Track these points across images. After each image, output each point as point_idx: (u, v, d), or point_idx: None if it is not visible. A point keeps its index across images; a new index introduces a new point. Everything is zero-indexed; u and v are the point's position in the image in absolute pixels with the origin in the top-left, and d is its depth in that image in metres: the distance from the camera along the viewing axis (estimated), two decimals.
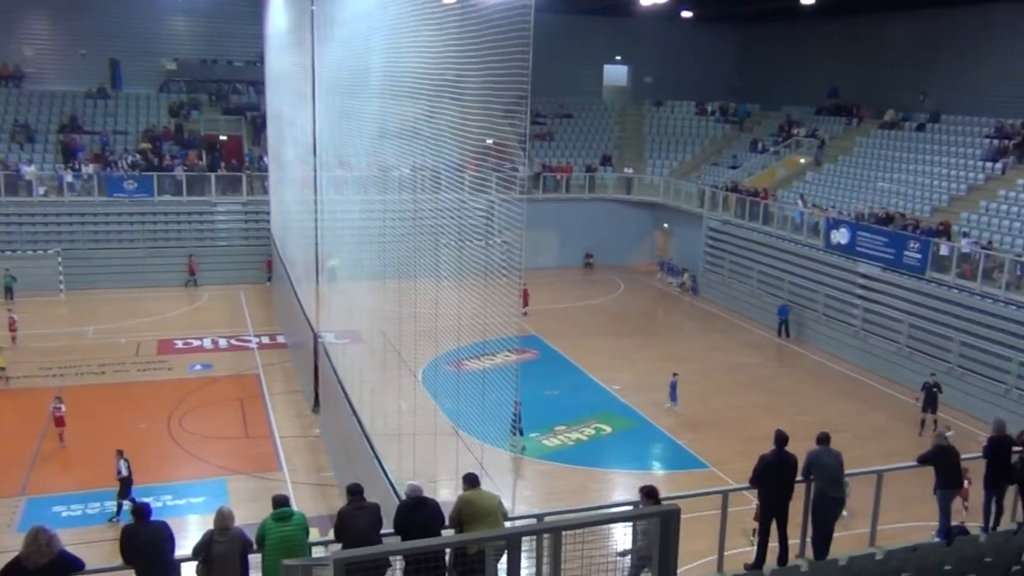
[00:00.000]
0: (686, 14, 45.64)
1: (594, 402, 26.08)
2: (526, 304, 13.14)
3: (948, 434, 14.66)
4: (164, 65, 46.90)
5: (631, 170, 45.88)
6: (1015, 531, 10.84)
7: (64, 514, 18.99)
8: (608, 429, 24.29)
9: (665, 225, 44.87)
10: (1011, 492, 11.61)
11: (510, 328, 12.66)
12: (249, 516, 9.35)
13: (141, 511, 9.03)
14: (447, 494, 10.84)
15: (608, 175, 46.24)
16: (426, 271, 15.17)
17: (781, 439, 10.51)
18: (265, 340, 32.29)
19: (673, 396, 25.43)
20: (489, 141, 13.12)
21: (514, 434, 21.27)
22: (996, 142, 33.14)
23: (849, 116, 41.77)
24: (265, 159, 41.30)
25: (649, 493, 9.31)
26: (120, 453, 19.39)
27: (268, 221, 40.19)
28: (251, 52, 44.78)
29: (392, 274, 17.16)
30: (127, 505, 18.26)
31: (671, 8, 43.70)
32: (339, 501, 19.21)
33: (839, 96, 43.20)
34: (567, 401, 26.04)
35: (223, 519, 8.99)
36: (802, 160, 41.02)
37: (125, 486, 19.10)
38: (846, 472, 10.82)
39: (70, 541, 8.40)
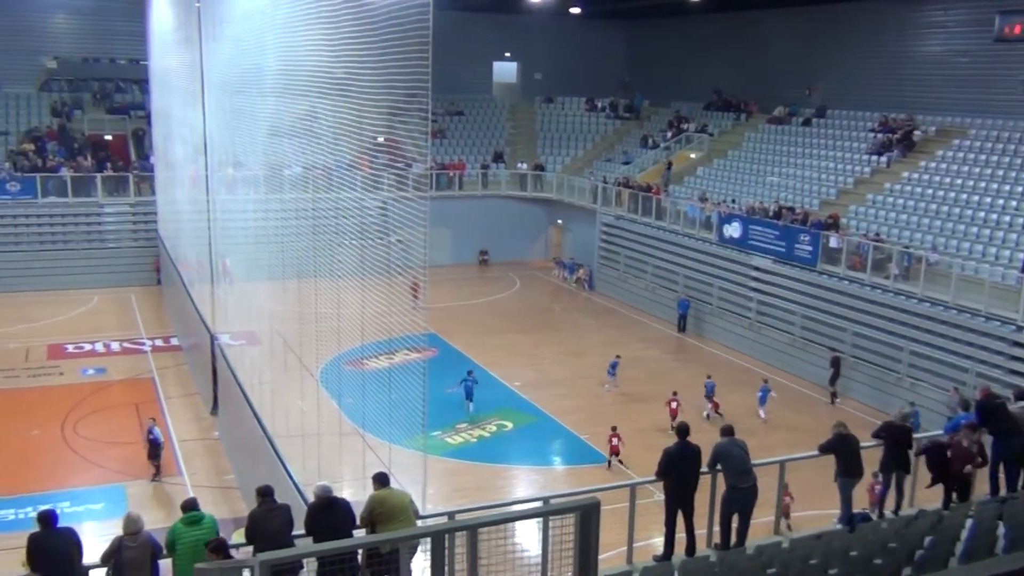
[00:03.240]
0: (574, 10, 45.89)
1: (495, 399, 25.97)
2: (416, 297, 12.96)
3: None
4: (44, 64, 44.64)
5: (525, 165, 45.99)
6: (915, 516, 11.07)
7: None
8: (509, 425, 24.25)
9: (559, 221, 45.16)
10: (908, 479, 11.77)
11: (408, 326, 12.45)
12: (151, 522, 9.00)
13: (47, 518, 8.72)
14: (351, 494, 10.60)
15: (501, 172, 46.24)
16: (321, 270, 14.83)
17: (683, 431, 10.54)
18: (159, 343, 31.08)
19: (611, 372, 26.18)
20: (380, 139, 12.86)
21: (469, 400, 24.39)
22: (881, 136, 33.85)
23: (737, 111, 42.61)
24: (151, 159, 39.73)
25: (380, 479, 9.46)
26: (153, 420, 21.45)
27: (156, 222, 38.68)
28: (134, 50, 42.87)
29: (288, 274, 16.73)
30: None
31: (559, 5, 43.98)
32: (241, 504, 18.75)
33: (722, 93, 44.19)
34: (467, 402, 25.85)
35: (133, 524, 8.81)
36: (692, 155, 41.83)
37: (155, 449, 20.66)
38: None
39: None
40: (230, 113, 20.52)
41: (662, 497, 10.45)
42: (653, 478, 10.55)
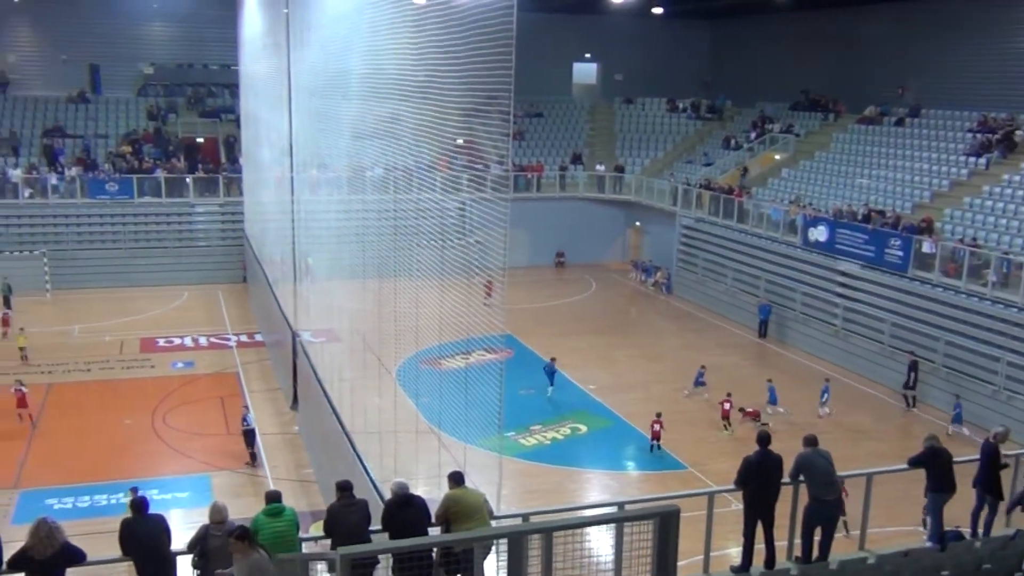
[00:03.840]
0: (657, 10, 45.42)
1: (570, 402, 25.87)
2: (488, 295, 12.99)
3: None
4: (142, 70, 46.64)
5: (603, 167, 45.72)
6: (1012, 536, 10.52)
7: (56, 507, 18.89)
8: (584, 428, 24.10)
9: (637, 223, 44.75)
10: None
11: (485, 327, 12.47)
12: (234, 512, 9.23)
13: (139, 504, 9.01)
14: (425, 492, 10.67)
15: (579, 174, 46.08)
16: (400, 270, 14.98)
17: (764, 439, 10.21)
18: (244, 338, 31.99)
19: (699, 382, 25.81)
20: (459, 140, 12.92)
21: (551, 385, 25.79)
22: (979, 136, 32.26)
23: (825, 111, 41.41)
24: (240, 160, 40.94)
25: (455, 478, 9.37)
26: (247, 408, 22.45)
27: (243, 222, 39.81)
28: (226, 56, 44.33)
29: (368, 273, 16.96)
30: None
31: (641, 5, 43.56)
32: (319, 498, 19.12)
33: (809, 92, 43.10)
34: (543, 401, 25.84)
35: (218, 513, 8.99)
36: (777, 156, 40.92)
37: (250, 437, 21.55)
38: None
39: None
40: (315, 116, 20.95)
41: (740, 506, 10.20)
42: (732, 487, 10.29)
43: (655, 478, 21.36)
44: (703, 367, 26.48)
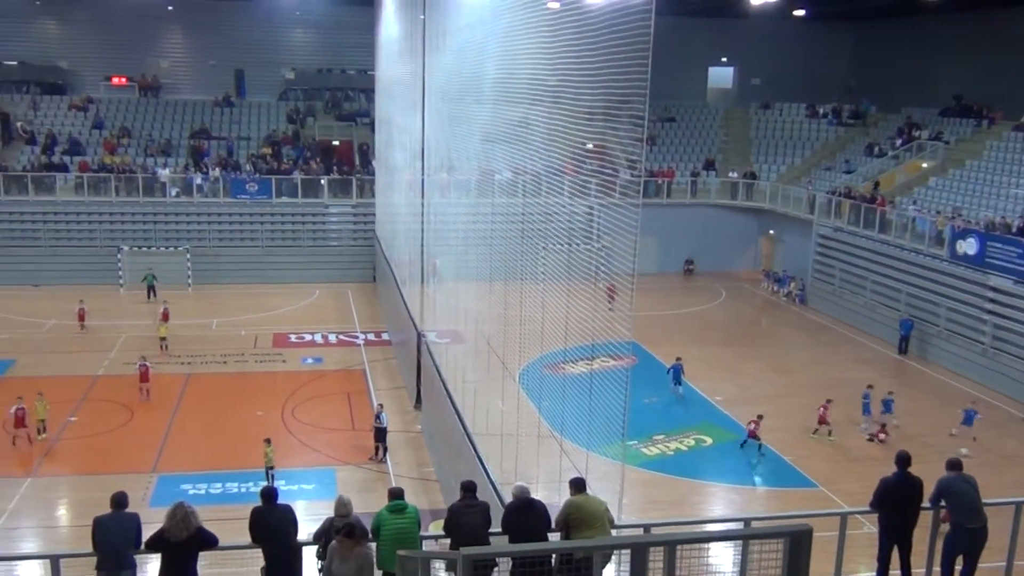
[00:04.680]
0: (799, 12, 44.24)
1: (695, 412, 25.50)
2: (611, 300, 12.93)
3: None
4: (284, 75, 49.01)
5: (737, 174, 44.80)
6: None
7: (191, 492, 19.99)
8: (709, 440, 23.69)
9: (771, 232, 43.61)
10: None
11: (610, 333, 12.45)
12: (357, 506, 9.55)
13: (269, 494, 9.39)
14: (544, 496, 10.74)
15: (711, 180, 45.30)
16: (526, 274, 15.12)
17: (903, 460, 9.73)
18: (371, 337, 33.00)
19: (866, 409, 24.52)
20: (589, 145, 12.95)
21: (677, 385, 26.21)
22: None
23: (978, 118, 39.35)
24: (373, 163, 42.32)
25: (576, 484, 9.26)
26: (381, 407, 22.91)
27: (374, 223, 41.07)
28: (363, 61, 46.00)
29: (493, 276, 17.19)
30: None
31: (783, 7, 42.48)
32: (439, 496, 19.51)
33: (962, 98, 40.94)
34: (666, 410, 25.56)
35: (343, 507, 9.28)
36: (924, 164, 39.04)
37: (381, 434, 22.22)
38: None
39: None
40: (447, 120, 21.44)
41: (874, 529, 9.81)
42: (867, 508, 9.89)
43: (781, 495, 20.77)
44: (869, 386, 25.07)
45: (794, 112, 48.41)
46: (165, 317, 31.86)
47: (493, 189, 17.53)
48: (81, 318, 32.57)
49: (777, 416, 24.54)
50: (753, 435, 22.45)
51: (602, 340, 12.31)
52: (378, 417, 22.63)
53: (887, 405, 24.18)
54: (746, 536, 7.95)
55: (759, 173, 44.86)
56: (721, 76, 51.87)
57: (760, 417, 22.75)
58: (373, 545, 9.17)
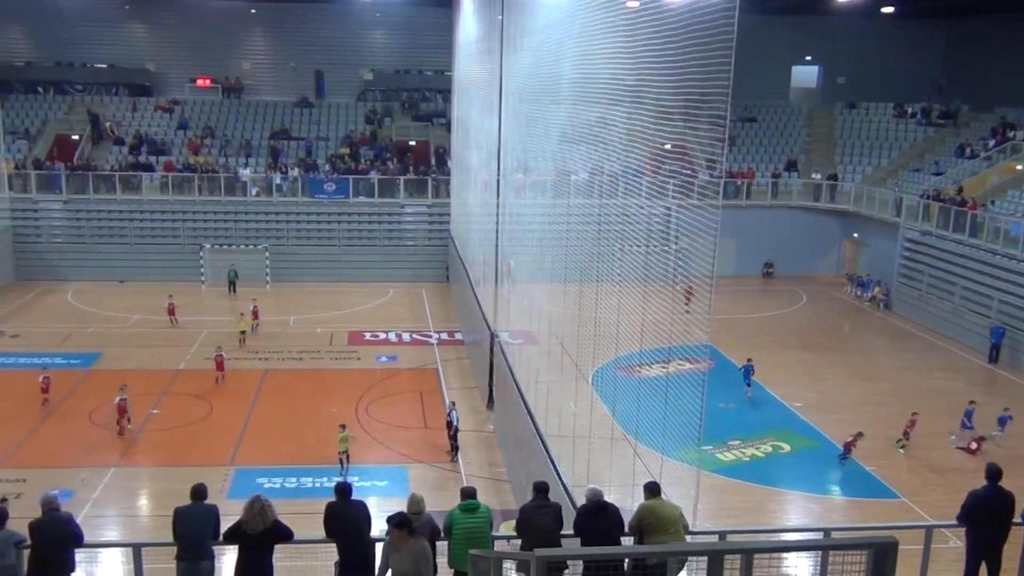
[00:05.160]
0: (887, 10, 43.06)
1: (772, 418, 25.05)
2: (688, 301, 12.79)
3: None
4: (362, 76, 49.88)
5: (820, 175, 43.85)
6: None
7: (266, 485, 20.52)
8: (787, 447, 23.26)
9: (855, 235, 42.56)
10: None
11: (685, 336, 12.35)
12: (429, 504, 9.66)
13: (343, 490, 9.55)
14: (616, 500, 10.71)
15: (793, 181, 44.43)
16: (601, 275, 15.09)
17: (994, 474, 9.38)
18: (444, 336, 33.36)
19: (965, 425, 23.42)
20: (667, 145, 12.87)
21: (748, 386, 25.77)
22: None
23: None
24: (449, 163, 42.74)
25: (651, 488, 9.13)
26: (453, 404, 23.33)
27: (448, 223, 41.46)
28: (441, 62, 46.49)
29: (568, 277, 17.20)
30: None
31: (870, 4, 41.45)
32: (511, 497, 19.61)
33: None
34: (743, 415, 25.19)
35: (416, 504, 9.39)
36: (1019, 167, 37.59)
37: (454, 433, 22.54)
38: None
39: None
40: (524, 120, 21.54)
41: (960, 544, 9.50)
42: (954, 522, 9.58)
43: (863, 505, 20.26)
44: (1006, 410, 23.81)
45: (881, 112, 47.16)
46: (255, 314, 32.90)
47: (569, 190, 17.55)
48: (171, 312, 33.76)
49: (858, 424, 23.91)
50: (849, 451, 21.89)
51: (678, 343, 12.22)
52: (449, 414, 22.94)
53: (1002, 422, 23.30)
54: (827, 547, 7.80)
55: (843, 174, 43.82)
56: (805, 75, 50.82)
57: (859, 434, 22.16)
58: (432, 543, 9.24)
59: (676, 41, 11.12)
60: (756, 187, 43.82)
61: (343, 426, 21.95)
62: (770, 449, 23.11)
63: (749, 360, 26.57)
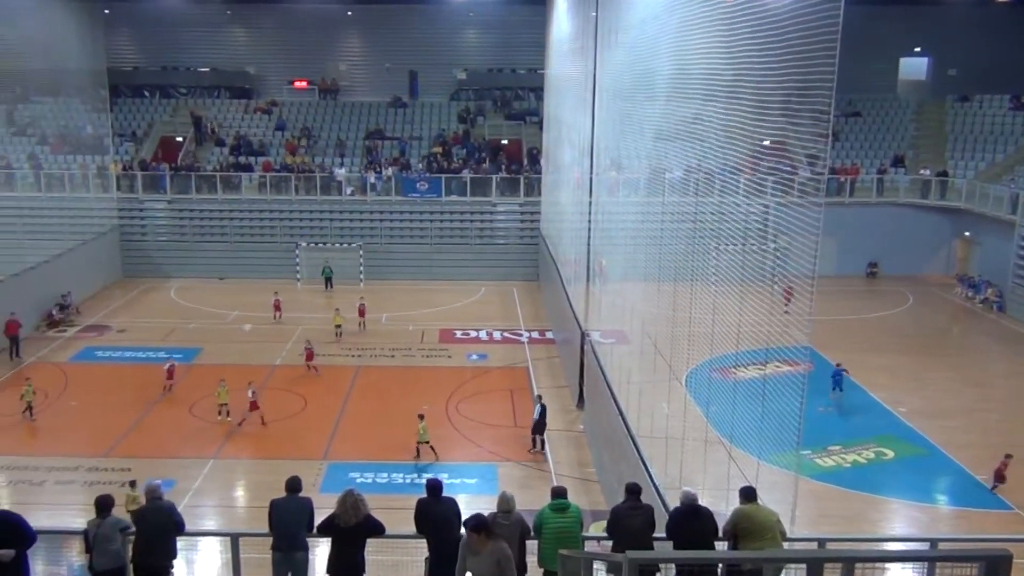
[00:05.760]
0: None
1: (874, 424, 24.31)
2: (787, 302, 12.52)
3: None
4: (456, 75, 50.49)
5: (929, 171, 42.27)
6: None
7: (358, 480, 21.02)
8: (890, 454, 22.54)
9: (967, 233, 40.86)
10: None
11: (784, 337, 12.12)
12: (518, 503, 9.71)
13: (435, 487, 9.69)
14: (709, 504, 10.59)
15: (900, 177, 42.96)
16: (696, 274, 14.93)
17: None
18: (535, 335, 33.49)
19: None
20: (766, 142, 12.65)
21: (835, 390, 24.89)
22: None
23: None
24: (541, 161, 42.88)
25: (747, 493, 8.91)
26: (539, 398, 23.71)
27: (540, 221, 41.59)
28: (534, 60, 46.66)
29: (662, 276, 17.07)
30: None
31: None
32: (600, 497, 19.58)
33: None
34: (843, 420, 24.55)
35: (506, 503, 9.44)
36: None
37: (539, 427, 22.93)
38: None
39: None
40: (618, 118, 21.48)
41: None
42: None
43: (972, 516, 19.47)
44: None
45: (996, 105, 45.17)
46: (361, 312, 33.77)
47: (664, 187, 17.41)
48: (277, 308, 34.93)
49: (968, 431, 23.07)
50: (1001, 476, 20.25)
51: (776, 344, 12.01)
52: (536, 408, 23.17)
53: None
54: (934, 558, 7.54)
55: (954, 170, 42.13)
56: (914, 67, 49.00)
57: (1008, 457, 20.42)
58: (521, 542, 9.23)
59: (777, 33, 10.92)
60: (860, 184, 42.56)
61: (422, 416, 22.48)
62: (872, 455, 22.44)
63: (839, 365, 25.74)
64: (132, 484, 18.56)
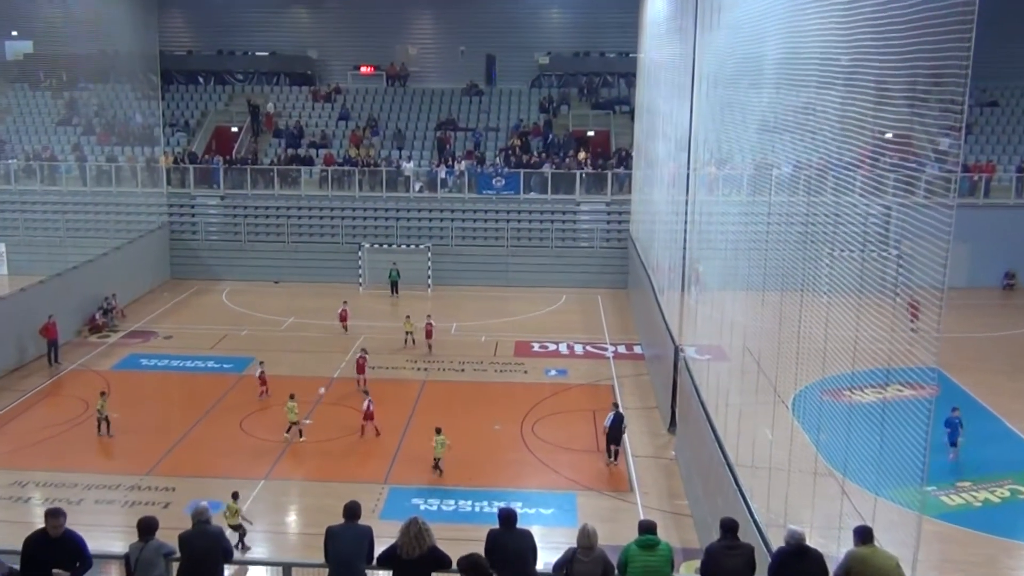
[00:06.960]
0: None
1: (1010, 457, 23.60)
2: (914, 318, 12.26)
3: None
4: (537, 60, 50.61)
5: None
6: None
7: (422, 507, 21.16)
8: None
9: None
10: None
11: (906, 357, 11.90)
12: (601, 537, 9.71)
13: (509, 518, 9.77)
14: (818, 545, 10.49)
15: None
16: (807, 284, 14.77)
17: None
18: (621, 349, 33.44)
19: None
20: (888, 135, 12.46)
21: (953, 445, 23.10)
22: None
23: None
24: (632, 155, 42.73)
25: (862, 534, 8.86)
26: (615, 405, 24.57)
27: (629, 223, 41.43)
28: (625, 43, 46.55)
29: (767, 285, 16.91)
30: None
31: None
32: (692, 534, 19.46)
33: None
34: (974, 452, 23.81)
35: (587, 538, 9.47)
36: None
37: (614, 436, 23.42)
38: None
39: None
40: (719, 107, 21.34)
41: None
42: None
43: None
44: None
45: None
46: (428, 333, 32.84)
47: (770, 186, 17.26)
48: (343, 319, 35.39)
49: None
50: None
51: (897, 364, 11.80)
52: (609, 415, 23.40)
53: None
54: None
55: None
56: None
57: None
58: None
59: (903, 12, 10.77)
60: (997, 183, 41.47)
61: (439, 430, 22.64)
62: (1007, 493, 21.81)
63: (955, 411, 23.63)
64: (235, 496, 19.27)
